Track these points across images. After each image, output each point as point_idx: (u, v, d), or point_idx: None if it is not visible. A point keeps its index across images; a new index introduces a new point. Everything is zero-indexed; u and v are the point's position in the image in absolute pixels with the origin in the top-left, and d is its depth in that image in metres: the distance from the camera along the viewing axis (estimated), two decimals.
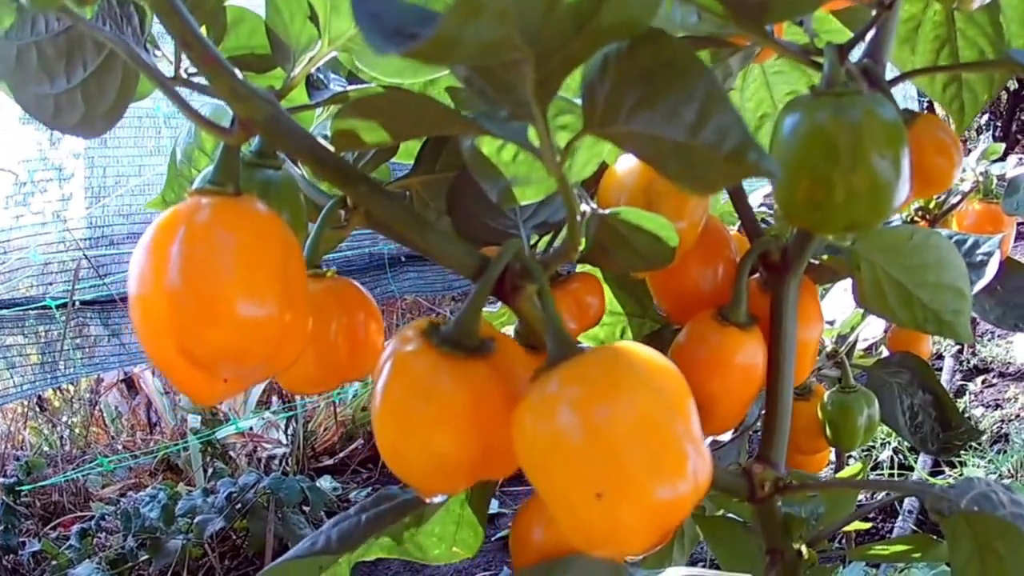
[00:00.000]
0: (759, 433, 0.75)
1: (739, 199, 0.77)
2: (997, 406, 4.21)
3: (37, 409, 4.93)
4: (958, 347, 4.82)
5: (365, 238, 4.51)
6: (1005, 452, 3.66)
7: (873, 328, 1.33)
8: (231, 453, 4.35)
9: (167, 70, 0.54)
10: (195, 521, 3.39)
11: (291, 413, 4.48)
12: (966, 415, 3.28)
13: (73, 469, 4.17)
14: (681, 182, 0.43)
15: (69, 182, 3.89)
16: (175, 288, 0.45)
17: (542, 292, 0.51)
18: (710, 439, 1.11)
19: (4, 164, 3.76)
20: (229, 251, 0.46)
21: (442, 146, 0.70)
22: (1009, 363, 4.67)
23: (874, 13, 0.66)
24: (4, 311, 3.63)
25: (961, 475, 3.47)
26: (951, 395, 1.16)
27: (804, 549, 0.74)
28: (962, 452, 3.55)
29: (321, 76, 0.67)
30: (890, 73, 0.68)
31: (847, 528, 0.85)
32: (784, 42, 0.63)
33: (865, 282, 0.72)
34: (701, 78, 0.40)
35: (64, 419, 4.83)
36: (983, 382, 4.55)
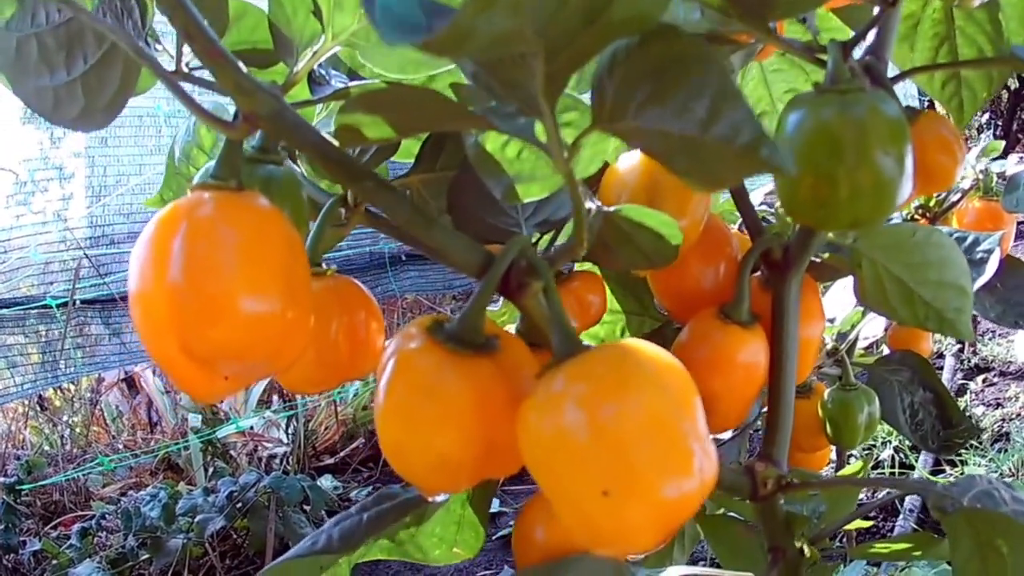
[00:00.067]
0: (759, 431, 0.75)
1: (741, 197, 0.77)
2: (998, 405, 4.21)
3: (38, 408, 4.93)
4: (959, 346, 4.82)
5: (366, 237, 4.51)
6: (1006, 451, 3.66)
7: (874, 326, 1.33)
8: (232, 452, 4.35)
9: (168, 65, 0.53)
10: (196, 520, 3.39)
11: (292, 412, 4.48)
12: (967, 414, 3.28)
13: (74, 468, 4.17)
14: (690, 178, 0.43)
15: (70, 181, 3.89)
16: (176, 284, 0.44)
17: (548, 289, 0.50)
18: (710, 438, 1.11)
19: (5, 163, 3.76)
20: (232, 246, 0.45)
21: (443, 144, 0.69)
22: (1010, 362, 4.67)
23: (877, 10, 0.66)
24: (5, 310, 3.63)
25: (962, 474, 3.46)
26: (952, 394, 1.16)
27: (806, 547, 0.74)
28: (963, 451, 3.55)
29: (323, 72, 0.66)
30: (889, 71, 0.68)
31: (848, 527, 0.85)
32: (788, 39, 0.63)
33: (866, 280, 0.72)
34: (712, 73, 0.40)
35: (65, 418, 4.83)
36: (984, 381, 4.55)
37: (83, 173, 3.87)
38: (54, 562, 3.43)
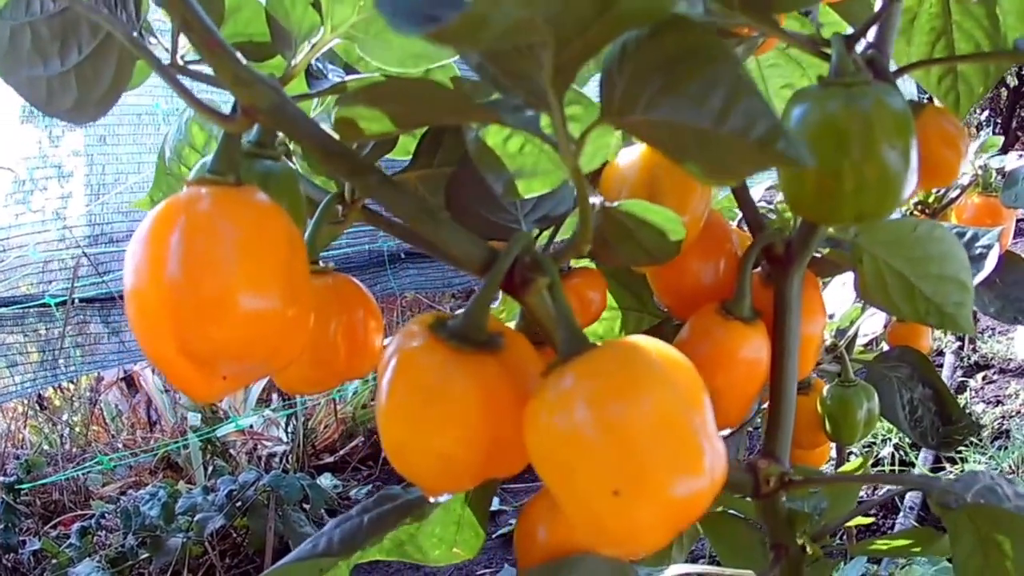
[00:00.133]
0: (758, 429, 0.75)
1: (741, 193, 0.77)
2: (998, 402, 4.21)
3: (37, 407, 4.93)
4: (959, 343, 4.82)
5: (364, 235, 4.51)
6: (1006, 448, 3.65)
7: (873, 322, 1.33)
8: (231, 451, 4.34)
9: (163, 58, 0.52)
10: (195, 519, 3.39)
11: (291, 411, 4.48)
12: (966, 411, 3.29)
13: (73, 467, 4.17)
14: (702, 172, 0.42)
15: (69, 180, 3.90)
16: (174, 281, 0.43)
17: (554, 286, 0.50)
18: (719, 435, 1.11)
19: (4, 162, 3.76)
20: (231, 242, 0.44)
21: (440, 140, 0.69)
22: (1010, 359, 4.67)
23: (880, 5, 0.66)
24: (4, 309, 3.63)
25: (962, 471, 3.47)
26: (951, 391, 1.16)
27: (808, 544, 0.74)
28: (963, 449, 3.55)
29: (320, 66, 0.65)
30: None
31: (848, 524, 0.85)
32: (792, 32, 0.63)
33: (867, 275, 0.72)
34: (727, 64, 0.39)
35: (64, 417, 4.83)
36: (984, 378, 4.55)
37: (82, 172, 3.87)
38: (54, 561, 3.43)
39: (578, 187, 0.49)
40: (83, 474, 4.15)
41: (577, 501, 0.44)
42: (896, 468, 3.66)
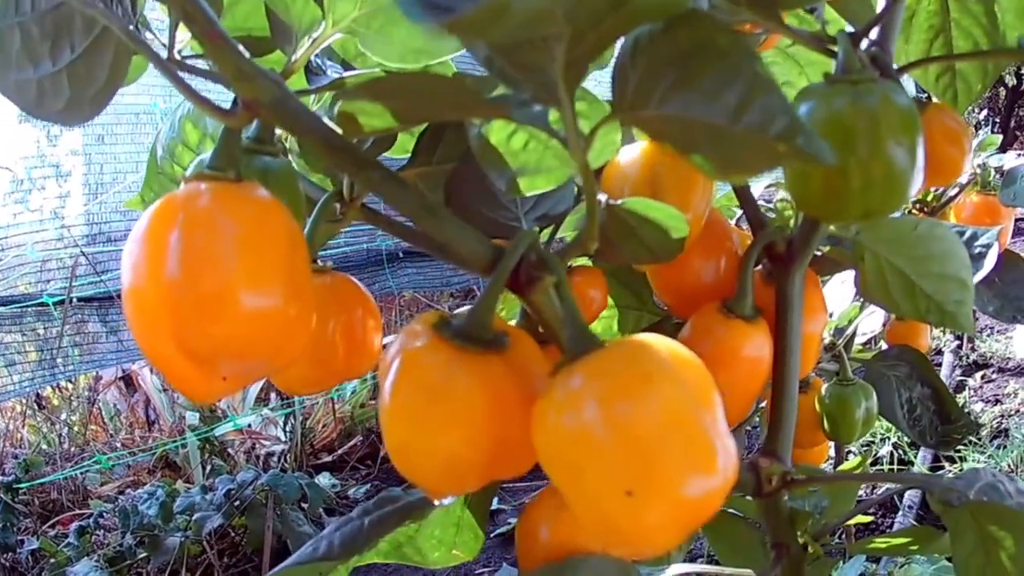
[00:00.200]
0: (755, 428, 0.75)
1: (743, 190, 0.77)
2: (997, 401, 4.21)
3: (35, 407, 4.92)
4: (957, 342, 4.82)
5: (362, 234, 4.51)
6: (1005, 447, 3.66)
7: (871, 321, 1.33)
8: (229, 450, 4.34)
9: (160, 54, 0.52)
10: (193, 518, 3.39)
11: (289, 410, 4.48)
12: (965, 410, 3.28)
13: (71, 467, 4.16)
14: (715, 167, 0.42)
15: (67, 179, 3.90)
16: (173, 278, 0.42)
17: (560, 284, 0.49)
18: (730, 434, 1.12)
19: (2, 162, 3.76)
20: (232, 239, 0.43)
21: (440, 137, 0.68)
22: (1008, 358, 4.68)
23: (883, 3, 0.66)
24: (2, 308, 3.63)
25: (961, 470, 3.47)
26: (950, 390, 1.16)
27: (809, 543, 0.74)
28: (962, 448, 3.55)
29: (319, 62, 0.65)
30: None
31: (847, 522, 0.85)
32: (797, 29, 0.63)
33: (868, 272, 0.72)
34: (744, 59, 0.39)
35: (62, 417, 4.83)
36: (982, 377, 4.55)
37: (80, 171, 3.87)
38: (52, 561, 3.42)
39: (586, 184, 0.48)
40: (81, 473, 4.15)
41: (588, 501, 0.43)
42: (895, 467, 3.66)
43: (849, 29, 0.65)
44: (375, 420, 4.73)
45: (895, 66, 0.69)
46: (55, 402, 5.01)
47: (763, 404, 1.04)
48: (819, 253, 0.76)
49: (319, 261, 0.61)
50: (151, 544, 3.36)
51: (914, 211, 1.51)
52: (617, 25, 0.39)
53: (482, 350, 0.48)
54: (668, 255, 0.59)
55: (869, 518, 2.99)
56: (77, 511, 3.99)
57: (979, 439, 3.75)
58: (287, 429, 4.48)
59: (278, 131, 0.59)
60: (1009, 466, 3.51)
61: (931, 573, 2.35)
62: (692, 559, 2.83)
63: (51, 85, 0.54)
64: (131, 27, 0.49)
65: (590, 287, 0.75)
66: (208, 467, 4.10)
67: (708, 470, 0.42)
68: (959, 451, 3.59)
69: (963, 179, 1.49)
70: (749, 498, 0.73)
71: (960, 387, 4.41)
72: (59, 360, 3.81)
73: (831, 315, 1.22)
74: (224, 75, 0.46)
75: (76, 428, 4.77)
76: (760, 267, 0.75)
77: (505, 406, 0.47)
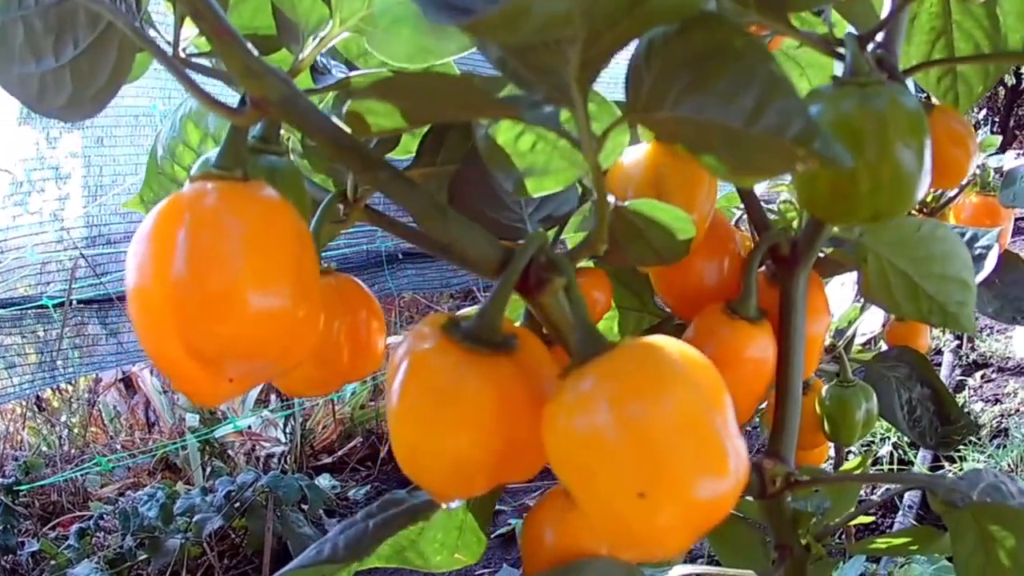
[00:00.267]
0: (755, 428, 0.75)
1: (747, 192, 0.77)
2: (996, 401, 4.22)
3: (36, 409, 4.92)
4: (957, 342, 4.82)
5: (362, 235, 4.51)
6: (1005, 447, 3.66)
7: (871, 322, 1.33)
8: (229, 452, 4.34)
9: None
10: (194, 520, 3.39)
11: (289, 411, 4.48)
12: (965, 410, 3.29)
13: (72, 469, 4.16)
14: (729, 169, 0.42)
15: (66, 182, 3.89)
16: (180, 278, 0.42)
17: (570, 286, 0.49)
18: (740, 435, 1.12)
19: (2, 164, 3.75)
20: (240, 239, 0.43)
21: (444, 138, 0.68)
22: (1008, 358, 4.68)
23: (889, 5, 0.66)
24: (2, 311, 3.62)
25: (960, 470, 3.47)
26: (950, 390, 1.16)
27: (812, 544, 0.74)
28: (961, 447, 3.55)
29: (324, 62, 0.64)
30: None
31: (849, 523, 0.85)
32: (805, 32, 0.63)
33: (871, 274, 0.72)
34: (760, 61, 0.39)
35: (62, 419, 4.82)
36: (982, 377, 4.55)
37: (79, 173, 3.86)
38: (52, 563, 3.42)
39: (596, 185, 0.48)
40: (81, 475, 4.15)
41: (600, 504, 0.43)
42: (895, 467, 3.66)
43: (850, 30, 0.65)
44: (375, 422, 4.73)
45: (901, 68, 0.69)
46: (55, 404, 5.01)
47: (763, 405, 1.04)
48: (822, 255, 0.76)
49: (320, 262, 0.61)
50: (151, 546, 3.36)
51: (913, 212, 1.51)
52: (632, 27, 0.39)
53: (491, 352, 0.47)
54: (674, 257, 0.59)
55: (870, 518, 2.99)
56: (77, 513, 3.98)
57: (979, 439, 3.75)
58: (287, 431, 4.48)
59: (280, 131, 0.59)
60: (1009, 466, 3.51)
61: (931, 573, 2.35)
62: (692, 560, 2.83)
63: (53, 80, 0.53)
64: (136, 24, 0.49)
65: (594, 289, 0.75)
66: (208, 469, 4.10)
67: (720, 472, 0.42)
68: (959, 451, 3.59)
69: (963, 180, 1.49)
70: (751, 499, 0.73)
71: (960, 387, 4.41)
72: (59, 362, 3.81)
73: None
74: (232, 73, 0.45)
75: (76, 430, 4.77)
76: (763, 268, 0.75)
77: (514, 408, 0.47)
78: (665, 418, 0.41)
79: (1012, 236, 2.74)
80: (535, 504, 0.66)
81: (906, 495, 3.11)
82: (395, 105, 0.46)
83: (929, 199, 1.52)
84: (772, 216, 0.84)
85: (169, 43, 0.52)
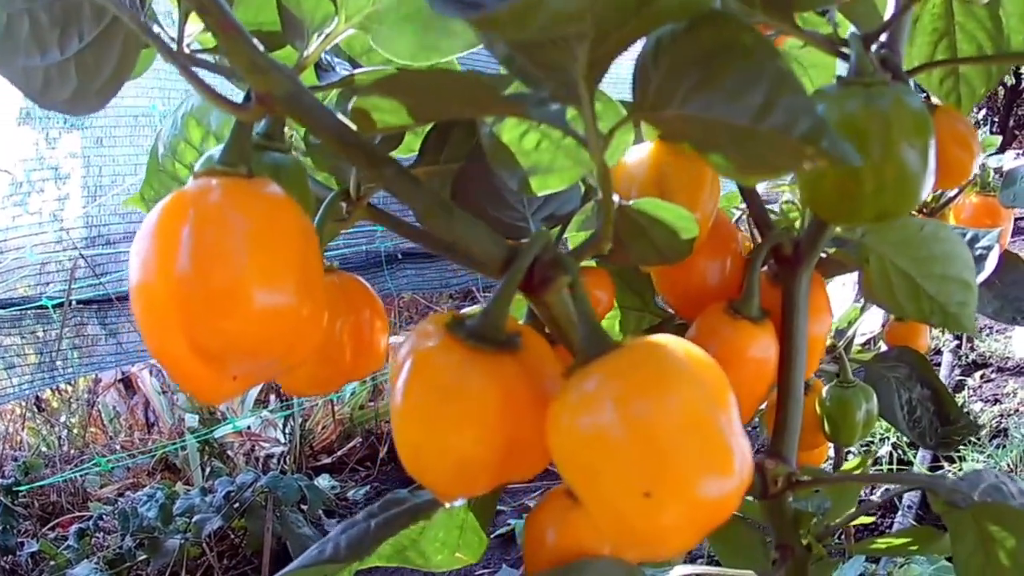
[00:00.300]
0: (755, 428, 0.75)
1: (749, 191, 0.77)
2: (996, 401, 4.22)
3: (35, 409, 4.92)
4: (956, 342, 4.83)
5: (362, 236, 4.51)
6: (1004, 447, 3.66)
7: (871, 322, 1.33)
8: (229, 452, 4.34)
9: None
10: (193, 520, 3.39)
11: (289, 412, 4.48)
12: (964, 410, 3.29)
13: (71, 469, 4.16)
14: (736, 168, 0.42)
15: (66, 182, 3.89)
16: (185, 274, 0.42)
17: (575, 285, 0.49)
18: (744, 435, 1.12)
19: (1, 164, 3.75)
20: (244, 235, 0.43)
21: (447, 136, 0.68)
22: (1008, 358, 4.68)
23: (893, 6, 0.66)
24: (1, 311, 3.63)
25: (960, 470, 3.47)
26: (950, 390, 1.16)
27: (813, 544, 0.74)
28: (961, 447, 3.56)
29: (328, 59, 0.64)
30: None
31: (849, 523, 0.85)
32: (809, 31, 0.63)
33: (873, 274, 0.72)
34: (768, 59, 0.39)
35: (62, 419, 4.82)
36: (982, 377, 4.56)
37: (79, 173, 3.86)
38: (52, 563, 3.42)
39: (602, 184, 0.48)
40: (81, 476, 4.15)
41: (604, 503, 0.43)
42: (894, 467, 3.66)
43: (852, 30, 0.65)
44: (375, 422, 4.73)
45: (905, 69, 0.69)
46: (54, 404, 5.01)
47: (763, 406, 1.04)
48: (824, 255, 0.76)
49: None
50: (151, 546, 3.36)
51: (913, 212, 1.51)
52: (641, 25, 0.39)
53: (496, 350, 0.47)
54: (678, 256, 0.59)
55: (870, 519, 2.99)
56: (77, 513, 3.98)
57: (978, 439, 3.75)
58: (286, 431, 4.48)
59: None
60: (1008, 466, 3.51)
61: (931, 573, 2.36)
62: (692, 560, 2.83)
63: (58, 74, 0.53)
64: (141, 18, 0.49)
65: (597, 288, 0.75)
66: (207, 469, 4.10)
67: (725, 471, 0.42)
68: (958, 451, 3.59)
69: None
70: (751, 499, 0.73)
71: (959, 387, 4.42)
72: (58, 363, 3.81)
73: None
74: (237, 68, 0.45)
75: (75, 430, 4.77)
76: (766, 268, 0.75)
77: (518, 407, 0.46)
78: (670, 417, 0.41)
79: (1012, 236, 2.74)
80: (536, 504, 0.66)
81: (906, 495, 3.11)
82: (401, 102, 0.46)
83: (929, 199, 1.51)
84: (773, 216, 0.85)
85: (173, 39, 0.52)
